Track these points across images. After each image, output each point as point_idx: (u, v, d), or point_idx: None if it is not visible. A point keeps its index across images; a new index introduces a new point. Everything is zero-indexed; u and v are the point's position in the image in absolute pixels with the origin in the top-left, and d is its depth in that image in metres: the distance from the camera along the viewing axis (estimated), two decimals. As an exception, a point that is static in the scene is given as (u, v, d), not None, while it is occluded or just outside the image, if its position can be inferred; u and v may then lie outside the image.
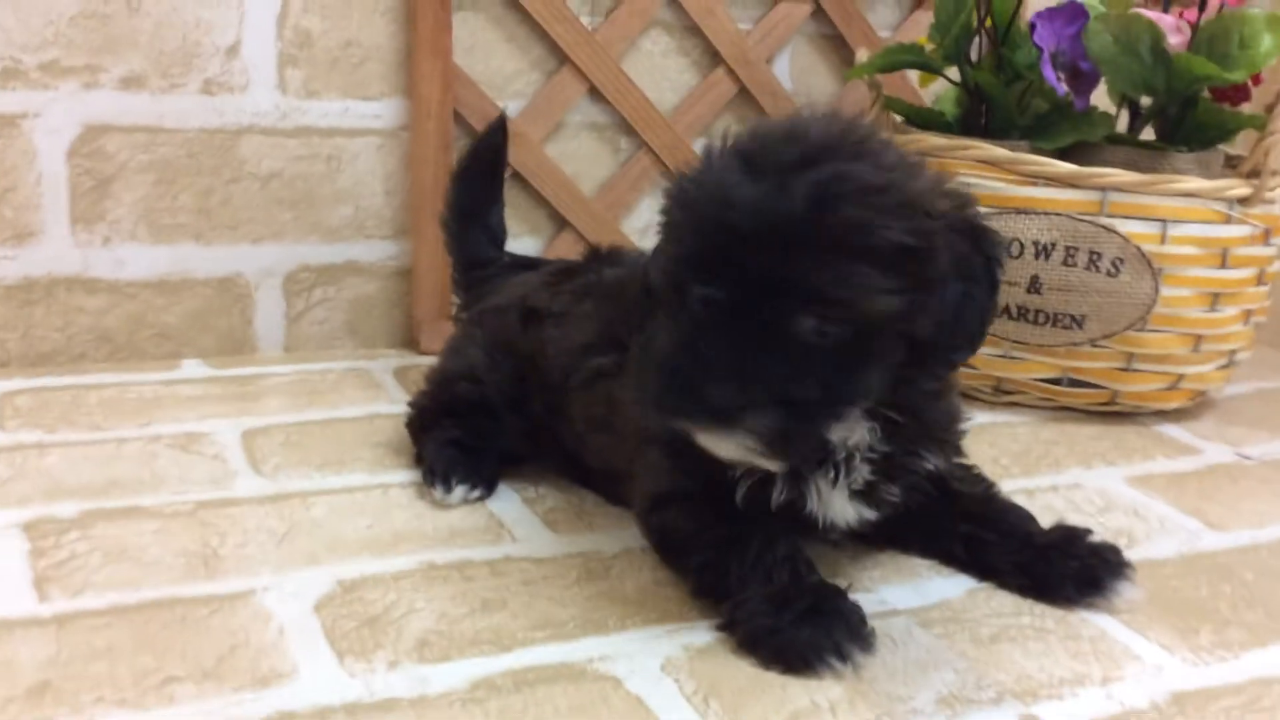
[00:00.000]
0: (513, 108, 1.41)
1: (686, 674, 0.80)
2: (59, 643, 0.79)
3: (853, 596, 0.85)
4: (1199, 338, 1.28)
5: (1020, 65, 1.33)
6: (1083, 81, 1.30)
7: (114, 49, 1.25)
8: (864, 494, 0.89)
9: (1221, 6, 1.27)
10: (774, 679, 0.79)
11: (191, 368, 1.33)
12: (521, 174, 1.41)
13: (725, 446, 0.78)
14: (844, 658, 0.79)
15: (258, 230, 1.34)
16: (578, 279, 1.09)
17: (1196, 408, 1.38)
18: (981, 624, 0.88)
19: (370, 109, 1.36)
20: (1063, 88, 1.27)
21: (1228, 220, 1.25)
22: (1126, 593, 0.91)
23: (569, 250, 1.41)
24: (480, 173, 1.19)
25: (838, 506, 0.89)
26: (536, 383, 1.06)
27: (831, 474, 0.87)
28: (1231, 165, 1.36)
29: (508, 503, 1.04)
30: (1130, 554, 0.95)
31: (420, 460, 1.08)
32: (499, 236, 1.22)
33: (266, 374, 1.32)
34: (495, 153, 1.19)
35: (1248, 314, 1.32)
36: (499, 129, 1.18)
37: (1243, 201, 1.25)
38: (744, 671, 0.80)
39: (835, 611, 0.81)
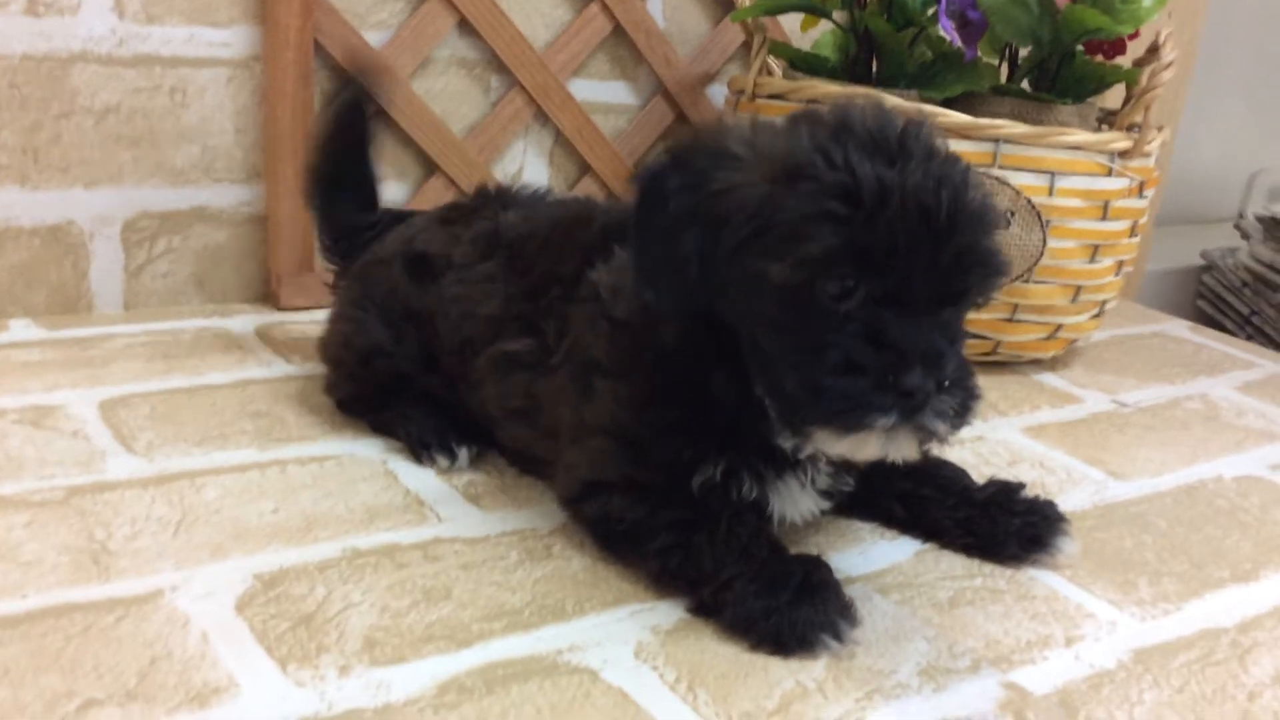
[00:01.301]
0: (376, 39, 1.29)
1: (663, 660, 0.74)
2: (-60, 668, 0.67)
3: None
4: (1078, 288, 1.31)
5: (912, 10, 1.31)
6: (971, 31, 1.29)
7: (-83, -42, 1.07)
8: (824, 490, 0.87)
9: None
10: (753, 661, 0.75)
11: (21, 329, 1.17)
12: (388, 112, 1.30)
13: (900, 444, 0.73)
14: (839, 635, 0.75)
15: (92, 173, 1.19)
16: (475, 223, 1.01)
17: (1066, 355, 1.42)
18: (937, 588, 0.87)
19: (219, 36, 1.22)
20: (956, 38, 1.26)
21: (1109, 173, 1.27)
22: (1067, 548, 0.91)
23: (439, 198, 1.31)
24: (342, 136, 1.08)
25: (801, 504, 0.86)
26: (438, 344, 0.98)
27: (802, 474, 0.84)
28: (1104, 119, 1.39)
29: (422, 477, 0.96)
30: None
31: (397, 436, 1.02)
32: (371, 197, 1.12)
33: (110, 335, 1.18)
34: (357, 112, 1.09)
35: (1119, 265, 1.35)
36: (357, 84, 1.08)
37: (1123, 154, 1.27)
38: (720, 654, 0.76)
39: (825, 585, 0.77)
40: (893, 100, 1.22)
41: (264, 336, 1.22)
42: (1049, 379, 1.35)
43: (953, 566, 0.90)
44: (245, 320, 1.26)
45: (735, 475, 0.82)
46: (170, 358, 1.14)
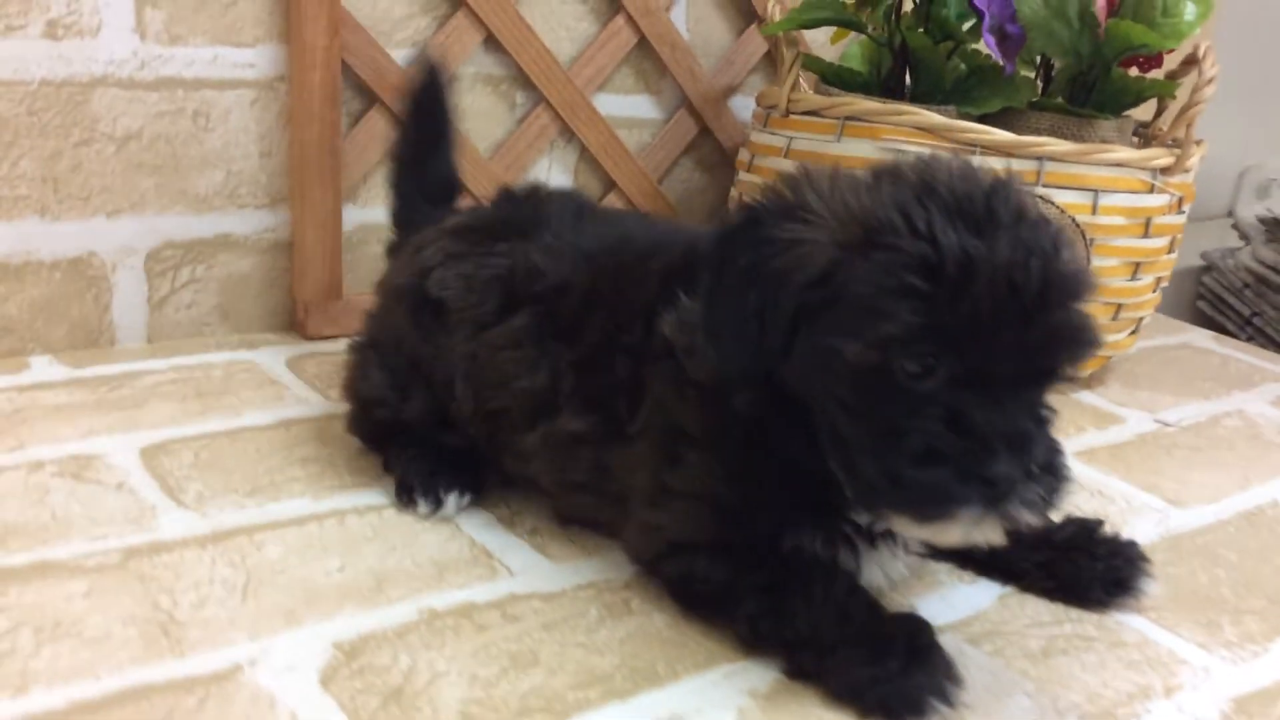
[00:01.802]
0: (401, 56, 1.25)
1: (769, 729, 0.72)
2: (23, 765, 0.63)
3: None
4: (1119, 306, 1.30)
5: (950, 24, 1.28)
6: (1010, 45, 1.27)
7: (-69, -18, 1.02)
8: (916, 552, 0.84)
9: (1142, -27, 1.27)
10: (859, 724, 0.73)
11: (44, 367, 1.12)
12: (415, 133, 1.26)
13: (985, 532, 0.69)
14: (948, 700, 0.73)
15: (114, 201, 1.14)
16: (490, 259, 0.92)
17: (1101, 372, 1.40)
18: (1026, 636, 0.84)
19: (243, 57, 1.17)
20: (999, 54, 1.23)
21: (1151, 189, 1.26)
22: (1150, 589, 0.89)
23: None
24: (419, 123, 1.05)
25: (892, 569, 0.83)
26: (454, 403, 0.93)
27: (893, 540, 0.81)
28: (1138, 133, 1.38)
29: (482, 524, 0.93)
30: None
31: (392, 474, 0.95)
32: (439, 192, 1.07)
33: (138, 372, 1.13)
34: (432, 97, 1.04)
35: (1158, 281, 1.34)
36: (430, 68, 1.04)
37: (1164, 171, 1.26)
38: (820, 717, 0.73)
39: (930, 649, 0.75)
40: (935, 118, 1.20)
41: (296, 370, 1.18)
42: (1088, 398, 1.33)
43: (1039, 612, 0.88)
44: (273, 353, 1.22)
45: (829, 542, 0.79)
46: (204, 395, 1.09)
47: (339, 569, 0.84)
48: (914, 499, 0.68)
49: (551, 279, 0.90)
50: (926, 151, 1.20)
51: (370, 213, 1.28)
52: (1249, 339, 2.21)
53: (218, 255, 1.21)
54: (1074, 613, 0.88)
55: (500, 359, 0.90)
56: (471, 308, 0.92)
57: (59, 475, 0.93)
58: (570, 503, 0.91)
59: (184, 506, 0.90)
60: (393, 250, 1.08)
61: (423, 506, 0.92)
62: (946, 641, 0.81)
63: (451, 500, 0.92)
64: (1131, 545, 0.91)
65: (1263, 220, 2.21)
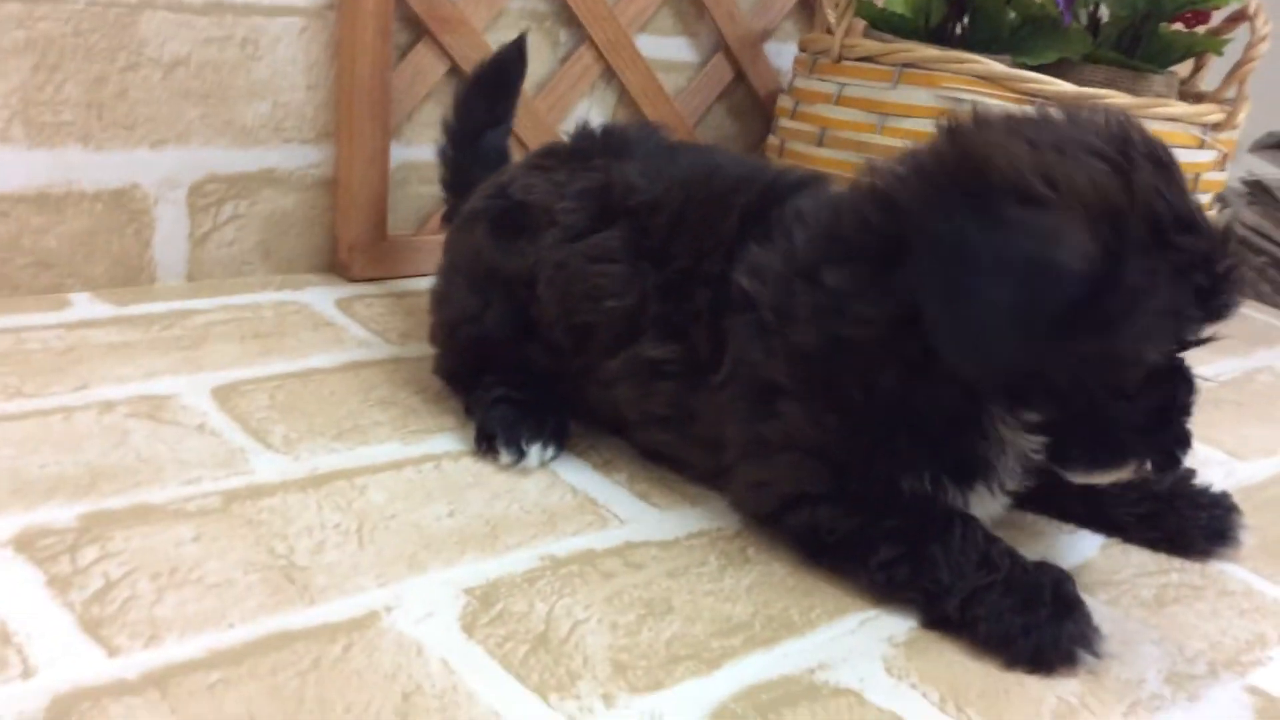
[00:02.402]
0: (451, -11, 1.20)
1: (918, 678, 0.71)
2: (178, 717, 0.59)
3: None
4: (1164, 262, 1.30)
5: (1010, -28, 1.27)
6: (1068, -4, 1.27)
7: (-23, -113, 0.94)
8: (1010, 490, 0.83)
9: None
10: (1004, 677, 0.72)
11: (86, 305, 1.06)
12: (462, 68, 1.21)
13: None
14: (1095, 650, 0.73)
15: (159, 131, 1.08)
16: (582, 173, 0.91)
17: (1135, 327, 1.41)
18: (1138, 586, 0.84)
19: (293, -18, 1.12)
20: (1062, 3, 1.22)
21: (1201, 145, 1.26)
22: (1246, 540, 0.90)
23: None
24: (486, 91, 1.04)
25: (990, 508, 0.82)
26: (538, 311, 0.91)
27: (993, 479, 0.80)
28: (1180, 92, 1.38)
29: (579, 472, 0.90)
30: None
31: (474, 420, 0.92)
32: (492, 160, 1.05)
33: (185, 311, 1.08)
34: (505, 72, 1.05)
35: (1198, 237, 1.35)
36: (518, 47, 1.05)
37: (1215, 127, 1.27)
38: (971, 670, 0.72)
39: (1075, 598, 0.74)
40: (996, 67, 1.19)
41: (348, 311, 1.13)
42: (1130, 352, 1.34)
43: (1144, 562, 0.88)
44: (319, 294, 1.17)
45: (940, 482, 0.78)
46: (261, 336, 1.05)
47: (449, 514, 0.81)
48: (1119, 458, 0.74)
49: (646, 195, 0.88)
50: (993, 102, 1.19)
51: (415, 150, 1.24)
52: (1230, 300, 2.26)
53: (261, 191, 1.15)
54: (1176, 562, 0.88)
55: (592, 271, 0.87)
56: (563, 213, 0.89)
57: (133, 416, 0.88)
58: (653, 437, 0.90)
59: (273, 450, 0.86)
60: (448, 217, 1.06)
61: (505, 456, 0.88)
62: (1064, 590, 0.82)
63: (535, 451, 0.89)
64: (1225, 496, 0.92)
65: (1246, 183, 2.25)
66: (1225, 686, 0.74)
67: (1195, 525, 0.89)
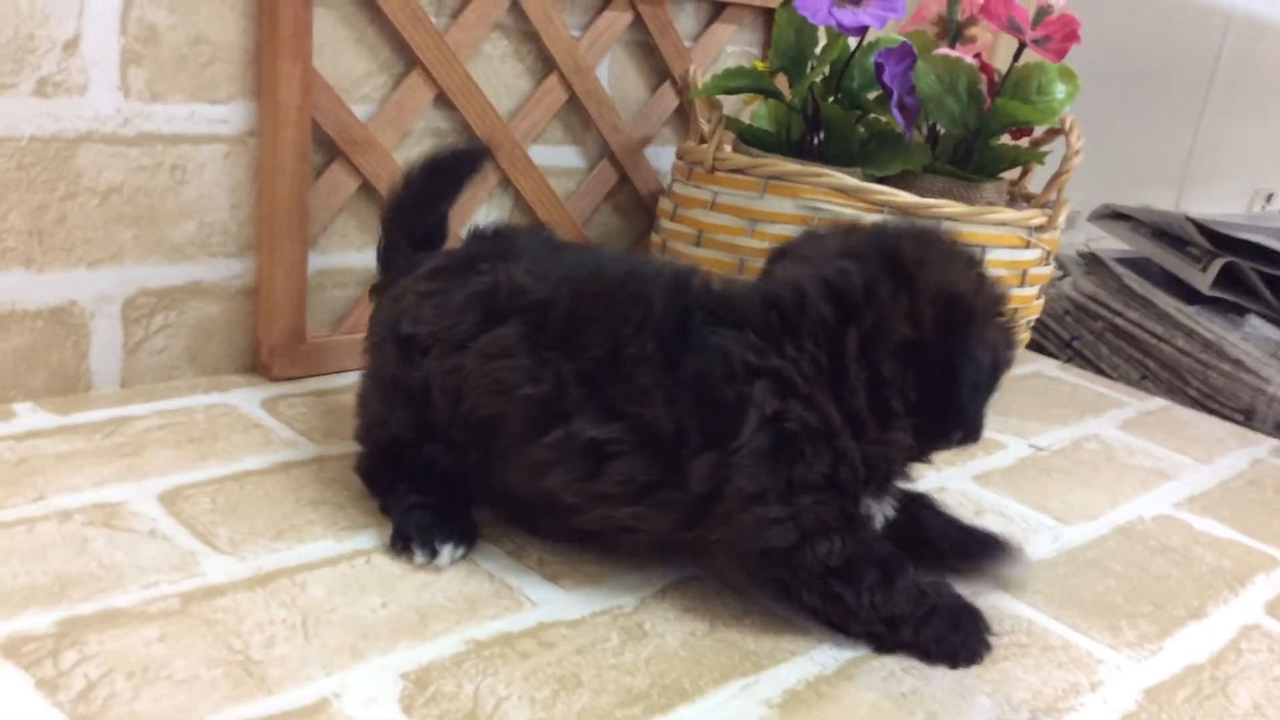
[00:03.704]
0: (362, 112, 1.32)
1: (790, 733, 0.85)
2: (168, 800, 0.69)
3: None
4: (1000, 346, 1.48)
5: (859, 96, 1.44)
6: (909, 114, 1.44)
7: (-70, 42, 1.04)
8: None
9: (1018, 55, 1.45)
10: (861, 726, 0.86)
11: (29, 415, 1.15)
12: (373, 185, 1.33)
13: None
14: (994, 633, 1.00)
15: (95, 253, 1.17)
16: (468, 282, 1.00)
17: (979, 401, 1.59)
18: (974, 644, 1.00)
19: (218, 113, 1.22)
20: (903, 122, 1.40)
21: (1027, 245, 1.44)
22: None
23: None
24: (436, 175, 1.14)
25: (886, 511, 1.02)
26: (434, 414, 1.01)
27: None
28: (1010, 193, 1.57)
29: (494, 559, 1.02)
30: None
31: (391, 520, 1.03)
32: (425, 237, 1.15)
33: (123, 417, 1.17)
34: (460, 166, 1.16)
35: (1029, 323, 1.53)
36: (484, 150, 1.20)
37: (1039, 229, 1.45)
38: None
39: (975, 608, 1.00)
40: (849, 180, 1.35)
41: (273, 412, 1.24)
42: (973, 426, 1.51)
43: (979, 623, 1.03)
44: (245, 395, 1.27)
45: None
46: (196, 441, 1.14)
47: (382, 605, 0.92)
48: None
49: (537, 294, 0.98)
50: (845, 210, 1.35)
51: (330, 258, 1.35)
52: (1069, 360, 2.48)
53: (189, 301, 1.25)
54: (1008, 624, 1.04)
55: (492, 368, 0.96)
56: (446, 329, 0.99)
57: (90, 525, 0.97)
58: (598, 515, 0.97)
59: (220, 551, 0.96)
60: (375, 290, 1.14)
61: (419, 557, 0.98)
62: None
63: (446, 551, 0.99)
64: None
65: (1081, 255, 2.48)
66: (1042, 729, 0.90)
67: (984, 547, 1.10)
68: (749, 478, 0.92)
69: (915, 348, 0.93)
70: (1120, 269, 2.41)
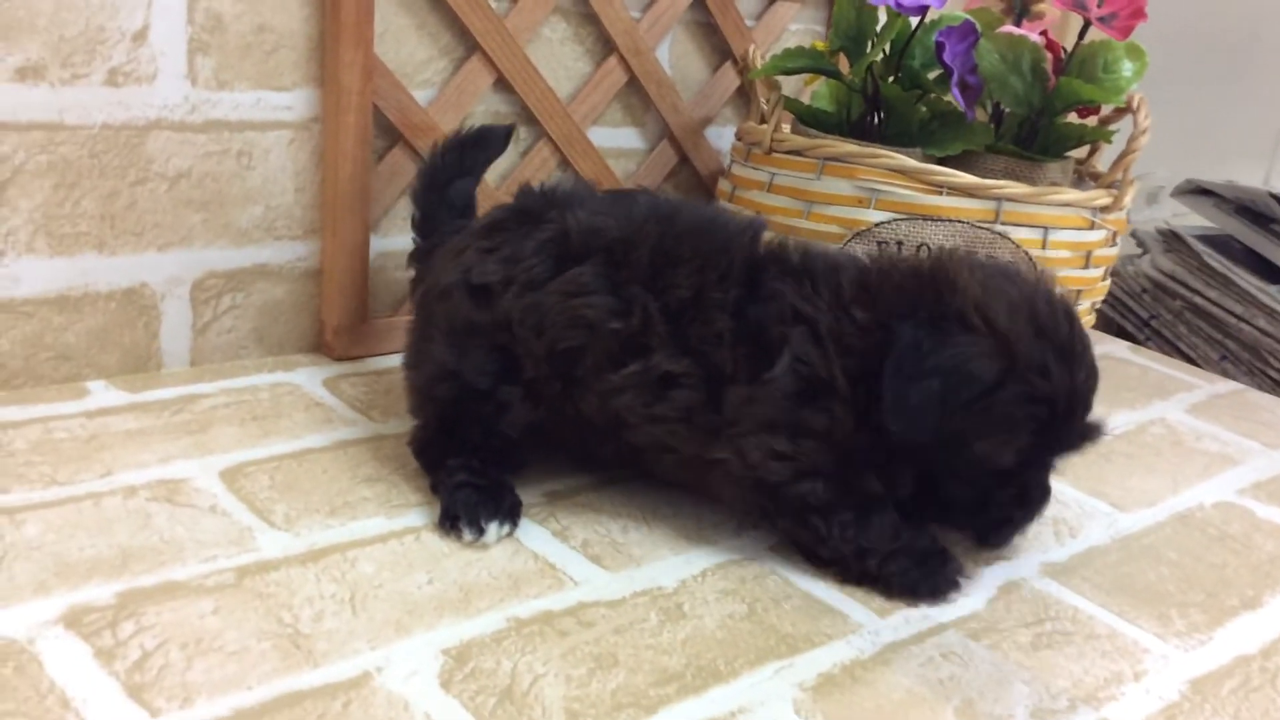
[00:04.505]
0: (422, 97, 1.35)
1: (824, 717, 0.85)
2: (213, 766, 0.73)
3: (904, 615, 0.99)
4: (1062, 328, 1.46)
5: (919, 75, 1.43)
6: (970, 94, 1.42)
7: (7, 34, 1.08)
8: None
9: (1083, 33, 1.43)
10: (894, 710, 0.87)
11: (102, 392, 1.20)
12: (434, 168, 1.36)
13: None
14: (965, 576, 1.05)
15: (165, 236, 1.22)
16: (534, 232, 1.03)
17: (1041, 384, 1.57)
18: (1017, 633, 0.99)
19: (282, 100, 1.26)
20: (964, 103, 1.38)
21: (1092, 226, 1.42)
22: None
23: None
24: (462, 148, 1.20)
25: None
26: (517, 350, 1.03)
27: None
28: (1078, 172, 1.54)
29: (540, 539, 1.04)
30: (1076, 545, 1.15)
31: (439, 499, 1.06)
32: (460, 205, 1.20)
33: (192, 395, 1.22)
34: (485, 140, 1.22)
35: (1093, 305, 1.51)
36: (506, 131, 1.24)
37: (1104, 210, 1.43)
38: (868, 709, 0.87)
39: (946, 552, 1.05)
40: (908, 161, 1.34)
41: (334, 391, 1.27)
42: (1034, 409, 1.50)
43: (1023, 614, 1.02)
44: (309, 374, 1.31)
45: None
46: (260, 419, 1.19)
47: (428, 582, 0.95)
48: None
49: (615, 234, 1.02)
50: (905, 192, 1.35)
51: (391, 241, 1.38)
52: (1146, 340, 2.43)
53: (255, 283, 1.30)
54: (1052, 610, 1.03)
55: (574, 304, 1.00)
56: (521, 273, 1.02)
57: (154, 500, 1.01)
58: (650, 432, 1.03)
59: (276, 527, 1.00)
60: (415, 256, 1.19)
61: (467, 534, 1.01)
62: (951, 637, 0.97)
63: (493, 528, 1.02)
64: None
65: (1161, 232, 2.42)
66: (1081, 719, 0.89)
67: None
68: (770, 405, 0.99)
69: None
70: (1200, 246, 2.35)
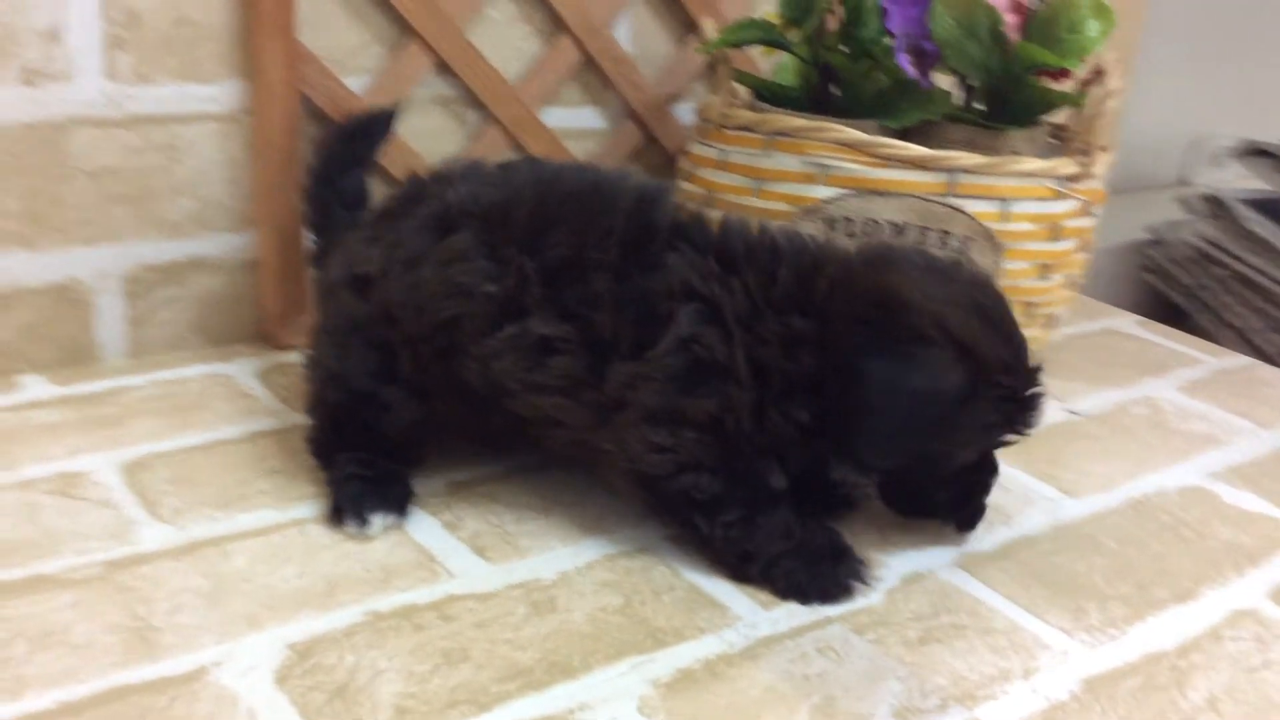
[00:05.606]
0: (357, 85, 1.34)
1: (667, 715, 0.83)
2: (19, 761, 0.74)
3: (790, 608, 0.96)
4: (1030, 304, 1.39)
5: (867, 42, 1.37)
6: (926, 61, 1.36)
7: (-84, 39, 1.11)
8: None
9: (1049, -10, 1.35)
10: (746, 708, 0.84)
11: (34, 386, 1.23)
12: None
13: None
14: (866, 581, 1.00)
15: (92, 231, 1.24)
16: (417, 212, 1.02)
17: (1021, 361, 1.50)
18: (907, 627, 0.95)
19: (207, 92, 1.26)
20: (913, 71, 1.32)
21: (1058, 196, 1.35)
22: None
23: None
24: (350, 140, 1.20)
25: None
26: (396, 335, 1.02)
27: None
28: (1054, 137, 1.47)
29: (428, 530, 1.03)
30: (1008, 533, 1.11)
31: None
32: (352, 199, 1.19)
33: (120, 388, 1.24)
34: (370, 128, 1.22)
35: (1069, 278, 1.44)
36: (388, 115, 1.23)
37: (1071, 179, 1.35)
38: (714, 705, 0.84)
39: (847, 549, 1.01)
40: (855, 134, 1.29)
41: (267, 382, 1.28)
42: (1005, 388, 1.43)
43: (920, 607, 0.98)
44: (246, 364, 1.32)
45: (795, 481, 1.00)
46: (181, 410, 1.20)
47: (298, 575, 0.95)
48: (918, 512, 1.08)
49: (492, 198, 1.01)
50: (853, 166, 1.29)
51: (332, 230, 1.38)
52: (1196, 310, 2.31)
53: (191, 276, 1.31)
54: (953, 604, 0.99)
55: (450, 272, 0.98)
56: (400, 254, 1.01)
57: (49, 493, 1.03)
58: (534, 403, 1.00)
59: (162, 521, 1.01)
60: (316, 258, 1.19)
61: (350, 526, 1.01)
62: (835, 631, 0.94)
63: (377, 520, 1.01)
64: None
65: (1205, 198, 2.30)
66: (949, 719, 0.85)
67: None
68: (651, 394, 0.95)
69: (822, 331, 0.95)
70: (1246, 211, 2.23)
